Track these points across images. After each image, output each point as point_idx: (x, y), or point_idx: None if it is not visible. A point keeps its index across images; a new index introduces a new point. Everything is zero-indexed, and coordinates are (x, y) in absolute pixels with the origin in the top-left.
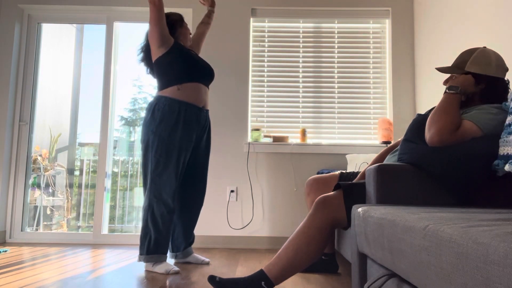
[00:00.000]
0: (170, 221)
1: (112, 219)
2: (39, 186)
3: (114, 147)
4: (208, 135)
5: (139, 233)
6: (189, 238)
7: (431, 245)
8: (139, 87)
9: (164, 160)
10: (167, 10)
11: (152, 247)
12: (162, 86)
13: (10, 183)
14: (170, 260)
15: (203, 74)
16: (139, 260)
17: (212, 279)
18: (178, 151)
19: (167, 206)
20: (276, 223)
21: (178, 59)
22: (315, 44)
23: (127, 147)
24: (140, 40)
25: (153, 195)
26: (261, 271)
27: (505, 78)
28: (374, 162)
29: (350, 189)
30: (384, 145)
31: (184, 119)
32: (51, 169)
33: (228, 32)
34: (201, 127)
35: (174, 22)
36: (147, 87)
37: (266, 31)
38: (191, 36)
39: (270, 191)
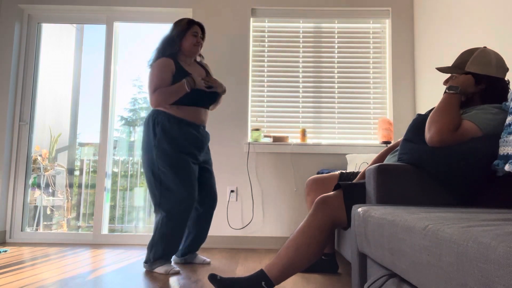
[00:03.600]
0: (182, 233)
1: (112, 219)
2: (39, 186)
3: (114, 147)
4: (208, 151)
5: (139, 233)
6: (201, 243)
7: (431, 245)
8: (139, 87)
9: (171, 173)
10: (167, 10)
11: (158, 255)
12: None
13: (10, 183)
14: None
15: (204, 100)
16: (144, 267)
17: (213, 277)
18: (183, 162)
19: (180, 219)
20: (276, 223)
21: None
22: (315, 44)
23: (127, 147)
24: (140, 40)
25: (164, 209)
26: (261, 271)
27: (505, 78)
28: (374, 162)
29: (350, 189)
30: (384, 145)
31: (185, 133)
32: (51, 169)
33: (228, 32)
34: (204, 145)
35: (178, 34)
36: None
37: (266, 31)
38: (200, 45)
39: (270, 191)
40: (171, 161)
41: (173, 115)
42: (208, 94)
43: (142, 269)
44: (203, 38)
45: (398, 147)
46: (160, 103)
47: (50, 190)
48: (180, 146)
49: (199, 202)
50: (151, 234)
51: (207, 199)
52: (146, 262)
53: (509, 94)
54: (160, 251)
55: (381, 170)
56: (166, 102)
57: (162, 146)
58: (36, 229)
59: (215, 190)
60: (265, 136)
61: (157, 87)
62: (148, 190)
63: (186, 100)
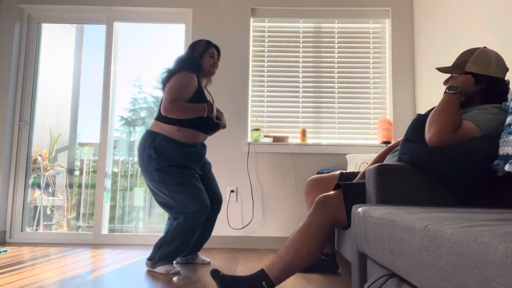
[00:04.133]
0: (191, 239)
1: (112, 219)
2: (39, 186)
3: (114, 147)
4: (206, 161)
5: (139, 233)
6: (203, 244)
7: (431, 245)
8: (139, 87)
9: (179, 186)
10: (167, 10)
11: (165, 255)
12: (162, 119)
13: (10, 183)
14: None
15: (210, 129)
16: (147, 265)
17: (215, 273)
18: (188, 175)
19: (193, 225)
20: (276, 223)
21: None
22: (315, 44)
23: (127, 147)
24: (140, 40)
25: (183, 216)
26: (262, 271)
27: (505, 78)
28: (374, 162)
29: (350, 189)
30: (384, 145)
31: (182, 150)
32: (51, 169)
33: (228, 32)
34: (203, 154)
35: (199, 54)
36: (147, 87)
37: (266, 31)
38: (216, 66)
39: (270, 191)
40: (175, 179)
41: (171, 137)
42: (212, 123)
43: (142, 269)
44: (218, 59)
45: (398, 147)
46: (172, 114)
47: (50, 190)
48: (180, 164)
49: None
50: (151, 234)
51: (213, 203)
52: (150, 259)
53: (509, 94)
54: (167, 252)
55: (381, 170)
56: (179, 116)
57: (164, 169)
58: (36, 229)
59: (219, 192)
60: (265, 136)
61: (177, 99)
62: (160, 206)
63: (190, 123)
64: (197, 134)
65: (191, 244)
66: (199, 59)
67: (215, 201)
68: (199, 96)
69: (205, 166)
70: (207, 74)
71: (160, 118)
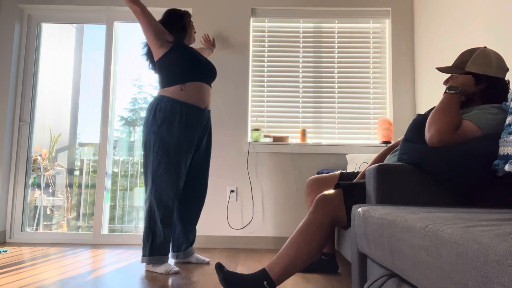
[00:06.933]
0: (170, 223)
1: (112, 219)
2: (39, 186)
3: (114, 147)
4: (208, 136)
5: (139, 233)
6: (190, 238)
7: (431, 245)
8: (139, 87)
9: (165, 161)
10: (166, 8)
11: (154, 248)
12: (165, 84)
13: (10, 183)
14: (171, 260)
15: (206, 72)
16: (142, 261)
17: (220, 267)
18: (179, 152)
19: (167, 208)
20: (276, 223)
21: (180, 59)
22: (315, 44)
23: (127, 147)
24: (140, 40)
25: (154, 196)
26: (264, 270)
27: (505, 78)
28: (374, 162)
29: (350, 188)
30: (384, 145)
31: (186, 120)
32: (51, 169)
33: (228, 32)
34: (202, 128)
35: (188, 22)
36: (147, 87)
37: (266, 31)
38: (195, 33)
39: (270, 191)
40: (167, 151)
41: (176, 99)
42: (209, 67)
43: (142, 269)
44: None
45: (398, 147)
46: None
47: (50, 190)
48: (179, 136)
49: (188, 193)
50: None
51: (197, 194)
52: (144, 255)
53: (509, 94)
54: (158, 243)
55: (381, 170)
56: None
57: (161, 135)
58: (36, 229)
59: (204, 188)
60: (265, 136)
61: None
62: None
63: (188, 74)
64: (200, 86)
65: (177, 236)
66: (187, 27)
67: (195, 192)
68: (192, 57)
69: (201, 150)
70: (192, 40)
71: (163, 85)
